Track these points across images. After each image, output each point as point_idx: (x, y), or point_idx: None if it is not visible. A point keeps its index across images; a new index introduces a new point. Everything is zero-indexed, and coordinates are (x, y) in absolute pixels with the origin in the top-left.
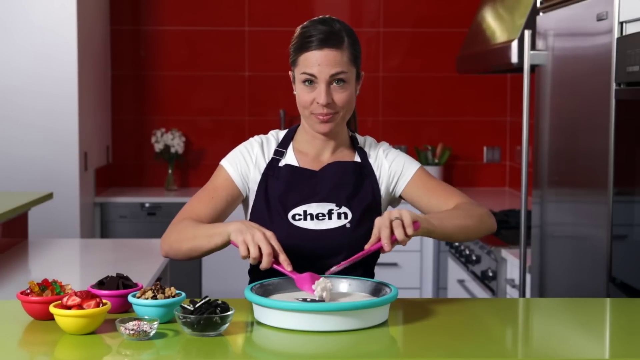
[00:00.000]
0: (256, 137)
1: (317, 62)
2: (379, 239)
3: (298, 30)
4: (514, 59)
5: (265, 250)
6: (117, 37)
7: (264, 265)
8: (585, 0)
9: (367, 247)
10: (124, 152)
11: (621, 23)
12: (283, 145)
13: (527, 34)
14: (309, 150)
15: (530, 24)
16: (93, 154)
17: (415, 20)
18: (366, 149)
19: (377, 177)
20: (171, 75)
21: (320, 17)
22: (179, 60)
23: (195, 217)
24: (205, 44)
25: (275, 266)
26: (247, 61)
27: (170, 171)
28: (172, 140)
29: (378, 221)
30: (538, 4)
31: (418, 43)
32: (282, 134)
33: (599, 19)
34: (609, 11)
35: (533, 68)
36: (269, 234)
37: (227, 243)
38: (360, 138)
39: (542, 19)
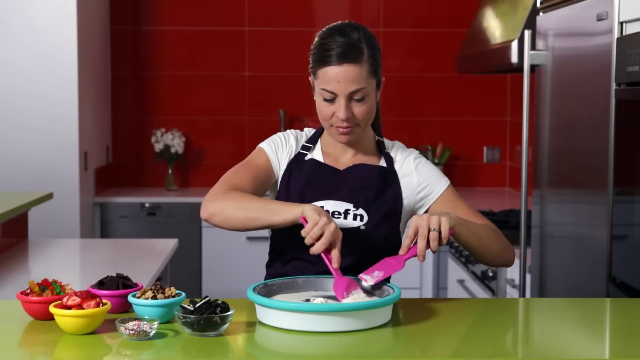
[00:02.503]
0: (292, 130)
1: (336, 78)
2: (414, 245)
3: (317, 39)
4: (514, 59)
5: (327, 235)
6: (117, 37)
7: (316, 248)
8: (585, 0)
9: (401, 252)
10: (124, 152)
11: (621, 23)
12: (311, 141)
13: (527, 34)
14: (331, 152)
15: (530, 24)
16: (93, 154)
17: (415, 20)
18: (392, 154)
19: (402, 186)
20: (171, 75)
21: (339, 24)
22: (179, 60)
23: (241, 190)
24: (205, 44)
25: (324, 255)
26: (247, 61)
27: (170, 171)
28: (172, 140)
29: (415, 226)
30: (538, 4)
31: (418, 43)
32: (312, 131)
33: (599, 19)
34: (609, 11)
35: (533, 68)
36: (340, 233)
37: (293, 222)
38: (388, 143)
39: (542, 19)
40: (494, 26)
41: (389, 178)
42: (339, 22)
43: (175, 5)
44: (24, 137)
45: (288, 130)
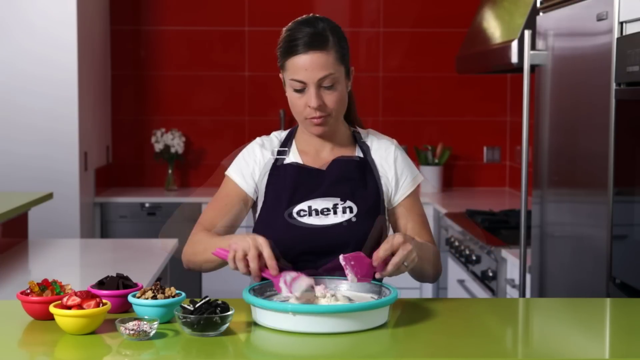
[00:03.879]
0: (257, 139)
1: (304, 66)
2: (382, 261)
3: (283, 32)
4: (514, 59)
5: (253, 244)
6: (117, 37)
7: (253, 267)
8: (585, 0)
9: (374, 262)
10: (124, 152)
11: (621, 23)
12: (285, 144)
13: (527, 34)
14: (309, 149)
15: (530, 24)
16: (93, 154)
17: (415, 20)
18: (369, 143)
19: (380, 175)
20: (171, 75)
21: (304, 17)
22: (179, 60)
23: (210, 226)
24: (205, 44)
25: (263, 274)
26: (247, 61)
27: (170, 171)
28: (172, 140)
29: (395, 248)
30: (538, 4)
31: (418, 43)
32: (284, 134)
33: (599, 19)
34: (609, 11)
35: (533, 68)
36: (261, 240)
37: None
38: (363, 132)
39: (542, 19)
40: (494, 26)
41: (367, 168)
42: (305, 15)
43: (176, 5)
44: (24, 137)
45: (253, 142)
